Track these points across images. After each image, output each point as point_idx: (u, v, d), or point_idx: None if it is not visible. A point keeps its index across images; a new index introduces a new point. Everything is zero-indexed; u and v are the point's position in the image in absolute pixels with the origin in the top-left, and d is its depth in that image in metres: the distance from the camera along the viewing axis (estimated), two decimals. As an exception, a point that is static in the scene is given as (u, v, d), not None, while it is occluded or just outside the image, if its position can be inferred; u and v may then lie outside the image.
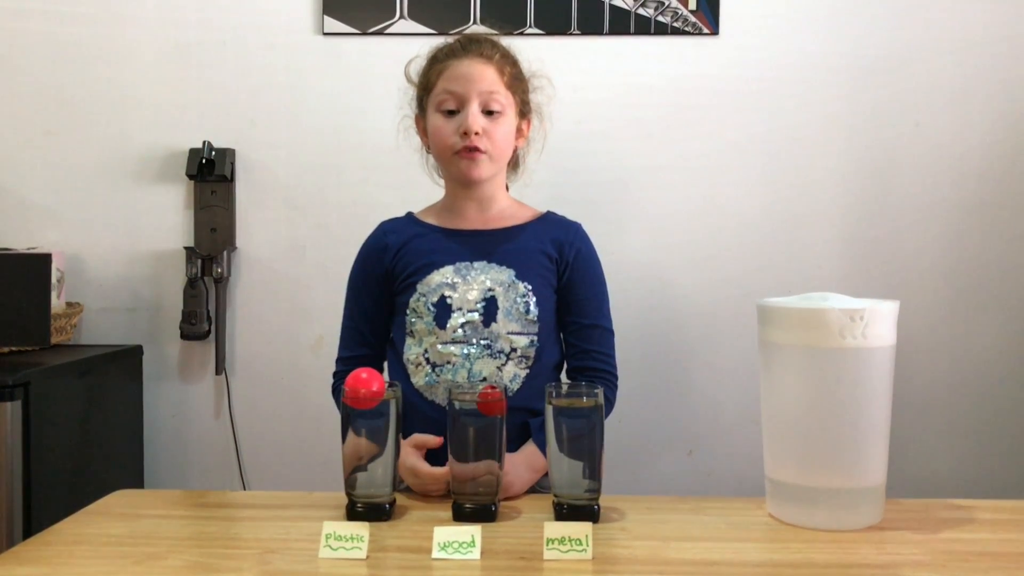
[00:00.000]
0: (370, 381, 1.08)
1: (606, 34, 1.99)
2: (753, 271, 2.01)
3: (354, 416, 1.09)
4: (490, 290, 1.32)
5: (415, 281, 1.35)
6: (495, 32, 1.96)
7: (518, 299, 1.32)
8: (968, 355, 2.01)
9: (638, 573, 0.93)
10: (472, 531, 0.99)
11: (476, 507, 1.09)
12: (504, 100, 1.34)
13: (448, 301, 1.32)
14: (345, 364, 1.41)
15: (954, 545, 1.01)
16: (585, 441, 1.08)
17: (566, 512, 1.07)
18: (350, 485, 1.10)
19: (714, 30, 1.99)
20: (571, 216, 1.44)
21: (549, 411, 1.08)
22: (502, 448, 1.09)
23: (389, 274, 1.38)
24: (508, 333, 1.31)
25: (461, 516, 1.09)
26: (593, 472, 1.08)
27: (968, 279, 2.01)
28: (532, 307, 1.32)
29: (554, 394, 1.08)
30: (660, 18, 1.98)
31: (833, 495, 1.06)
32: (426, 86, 1.38)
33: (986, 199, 2.00)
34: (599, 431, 1.08)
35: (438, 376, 1.31)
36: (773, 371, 1.11)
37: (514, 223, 1.39)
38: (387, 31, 1.99)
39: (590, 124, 2.00)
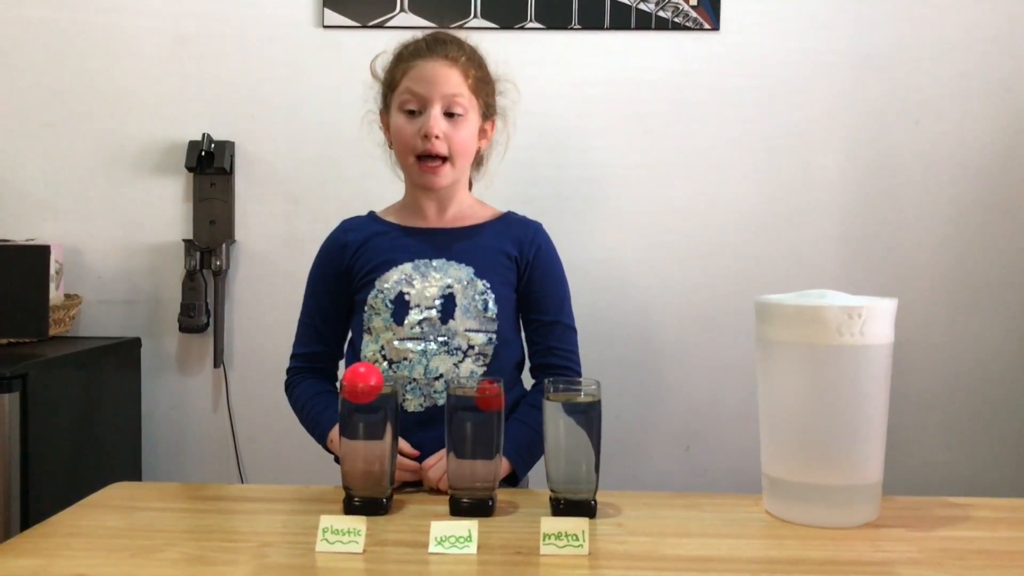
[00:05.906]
0: (368, 375, 1.08)
1: (607, 29, 1.99)
2: (751, 268, 2.01)
3: (352, 410, 1.09)
4: (449, 287, 1.32)
5: (374, 278, 1.35)
6: (494, 26, 1.96)
7: (476, 296, 1.32)
8: (966, 353, 2.01)
9: (634, 569, 0.94)
10: (469, 526, 0.99)
11: (473, 502, 1.09)
12: (467, 103, 1.33)
13: (406, 298, 1.32)
14: (300, 361, 1.42)
15: (950, 543, 1.02)
16: (582, 437, 1.07)
17: (563, 507, 1.07)
18: (347, 479, 1.10)
19: (715, 26, 1.98)
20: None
21: (547, 406, 1.08)
22: (499, 443, 1.09)
23: (348, 272, 1.39)
24: (466, 330, 1.31)
25: (458, 511, 1.09)
26: (590, 468, 1.08)
27: (967, 277, 2.01)
28: (490, 305, 1.32)
29: (552, 389, 1.08)
30: (661, 13, 1.98)
31: (830, 492, 1.06)
32: (391, 83, 1.37)
33: (985, 197, 2.00)
34: (597, 427, 1.08)
35: (394, 373, 1.31)
36: (771, 368, 1.11)
37: (474, 222, 1.40)
38: (387, 24, 1.99)
39: (590, 119, 2.00)
